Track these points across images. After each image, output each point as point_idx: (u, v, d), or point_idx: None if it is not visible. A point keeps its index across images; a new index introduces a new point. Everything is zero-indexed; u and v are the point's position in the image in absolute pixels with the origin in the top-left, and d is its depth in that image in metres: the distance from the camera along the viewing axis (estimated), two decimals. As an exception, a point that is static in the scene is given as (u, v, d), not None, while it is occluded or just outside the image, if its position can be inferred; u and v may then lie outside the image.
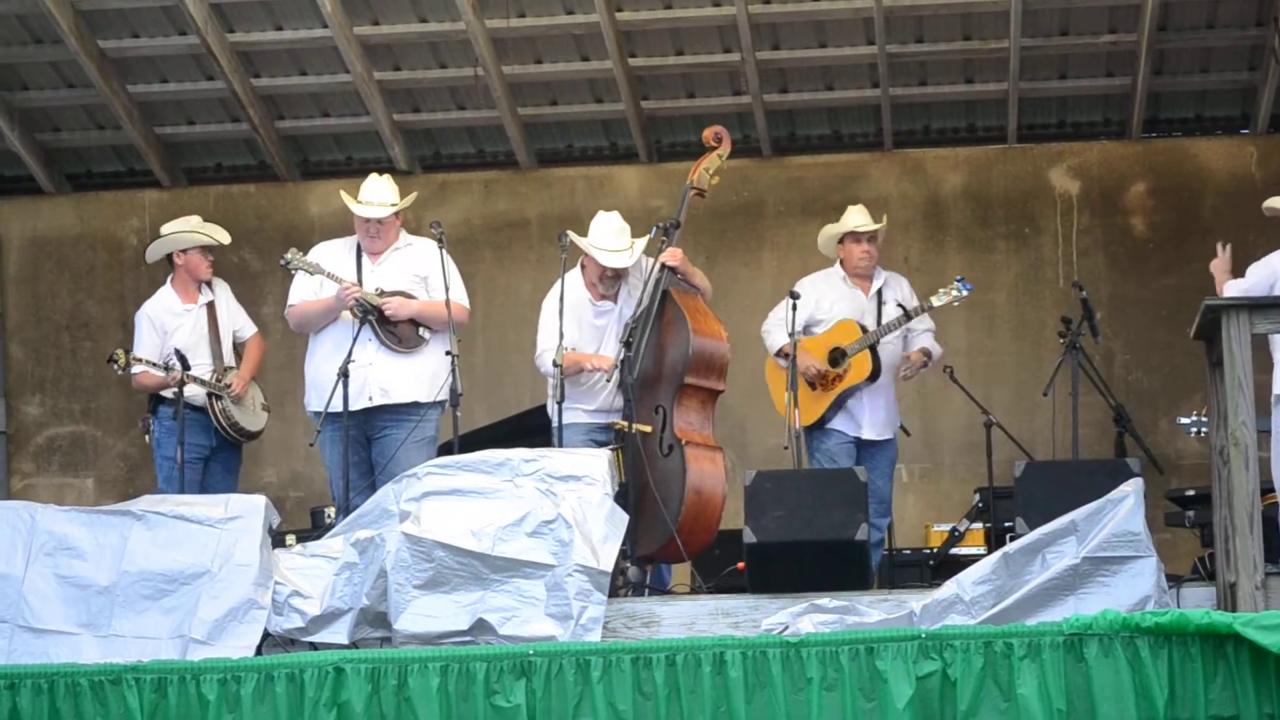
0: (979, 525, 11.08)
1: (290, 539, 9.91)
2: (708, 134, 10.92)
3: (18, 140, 13.89)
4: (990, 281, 13.70)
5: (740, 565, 9.90)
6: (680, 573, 10.82)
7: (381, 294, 10.60)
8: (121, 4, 12.98)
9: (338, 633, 9.33)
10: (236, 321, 11.47)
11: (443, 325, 10.54)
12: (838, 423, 10.90)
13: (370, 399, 10.54)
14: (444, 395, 10.48)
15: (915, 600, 9.08)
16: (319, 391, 10.65)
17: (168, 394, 11.08)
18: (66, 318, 14.26)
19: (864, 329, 10.87)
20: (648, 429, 10.25)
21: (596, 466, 9.57)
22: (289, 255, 10.72)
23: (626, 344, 10.35)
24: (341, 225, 11.27)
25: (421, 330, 10.65)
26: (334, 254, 10.85)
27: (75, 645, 9.24)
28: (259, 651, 9.23)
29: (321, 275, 10.66)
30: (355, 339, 10.50)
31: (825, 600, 9.13)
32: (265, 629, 9.33)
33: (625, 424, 10.19)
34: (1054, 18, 12.99)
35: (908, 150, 14.01)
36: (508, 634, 9.11)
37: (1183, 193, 13.63)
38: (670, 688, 8.45)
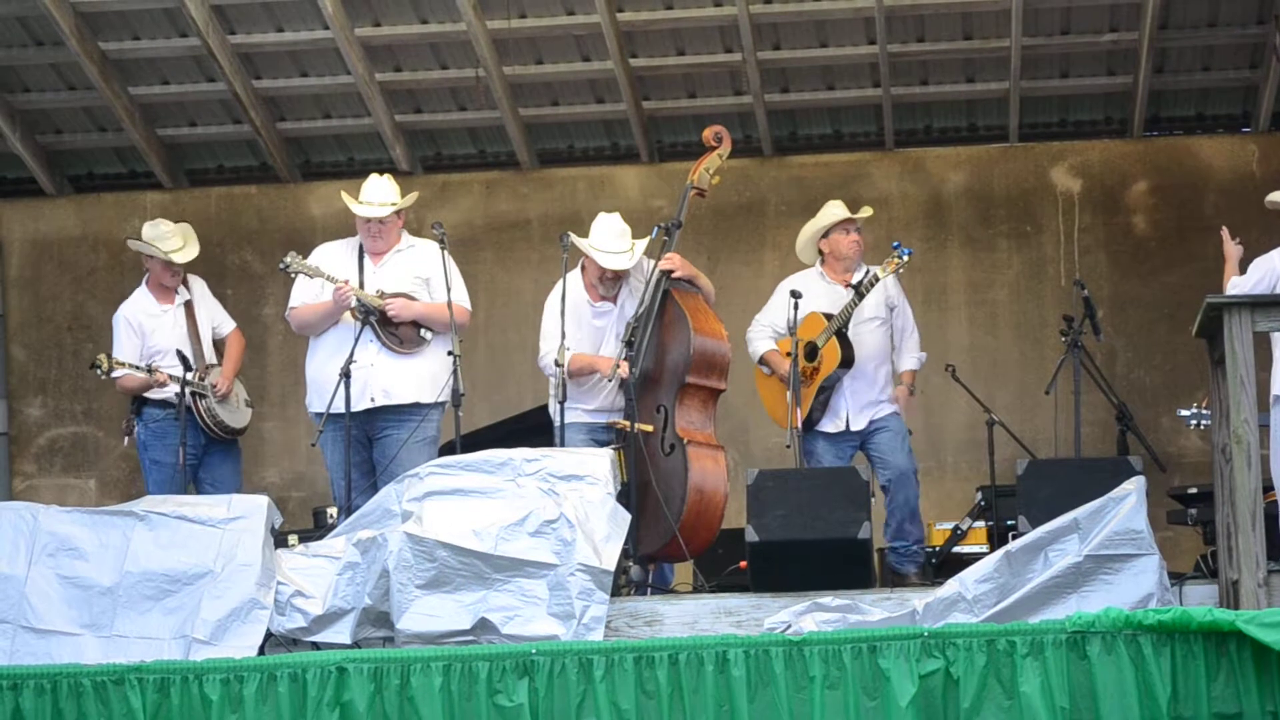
0: (981, 523, 11.07)
1: (292, 539, 9.90)
2: (708, 134, 10.91)
3: (19, 142, 13.90)
4: (992, 280, 13.71)
5: (743, 564, 9.91)
6: (683, 572, 10.82)
7: (383, 296, 10.60)
8: (123, 6, 12.99)
9: (340, 632, 9.33)
10: (215, 318, 11.46)
11: (445, 327, 10.54)
12: (823, 424, 10.85)
13: (372, 400, 10.54)
14: (445, 396, 10.48)
15: (918, 599, 9.08)
16: (320, 392, 10.65)
17: (154, 395, 11.11)
18: (68, 319, 14.27)
19: (827, 318, 10.79)
20: (649, 428, 10.25)
21: (599, 466, 9.57)
22: (288, 259, 10.71)
23: (628, 344, 10.35)
24: (343, 226, 11.27)
25: (423, 331, 10.65)
26: (335, 255, 10.85)
27: (78, 646, 9.24)
28: (262, 651, 9.23)
29: (322, 278, 10.66)
30: (357, 340, 10.50)
31: (828, 599, 9.13)
32: (268, 629, 9.33)
33: (627, 423, 10.19)
34: (1055, 16, 12.99)
35: (909, 149, 14.01)
36: (510, 633, 9.10)
37: (1184, 191, 13.63)
38: (673, 687, 8.45)
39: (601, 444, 10.29)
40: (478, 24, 12.90)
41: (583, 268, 10.77)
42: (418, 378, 10.59)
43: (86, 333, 14.19)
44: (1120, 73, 13.44)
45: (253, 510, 9.58)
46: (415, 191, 11.08)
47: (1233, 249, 10.08)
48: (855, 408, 10.81)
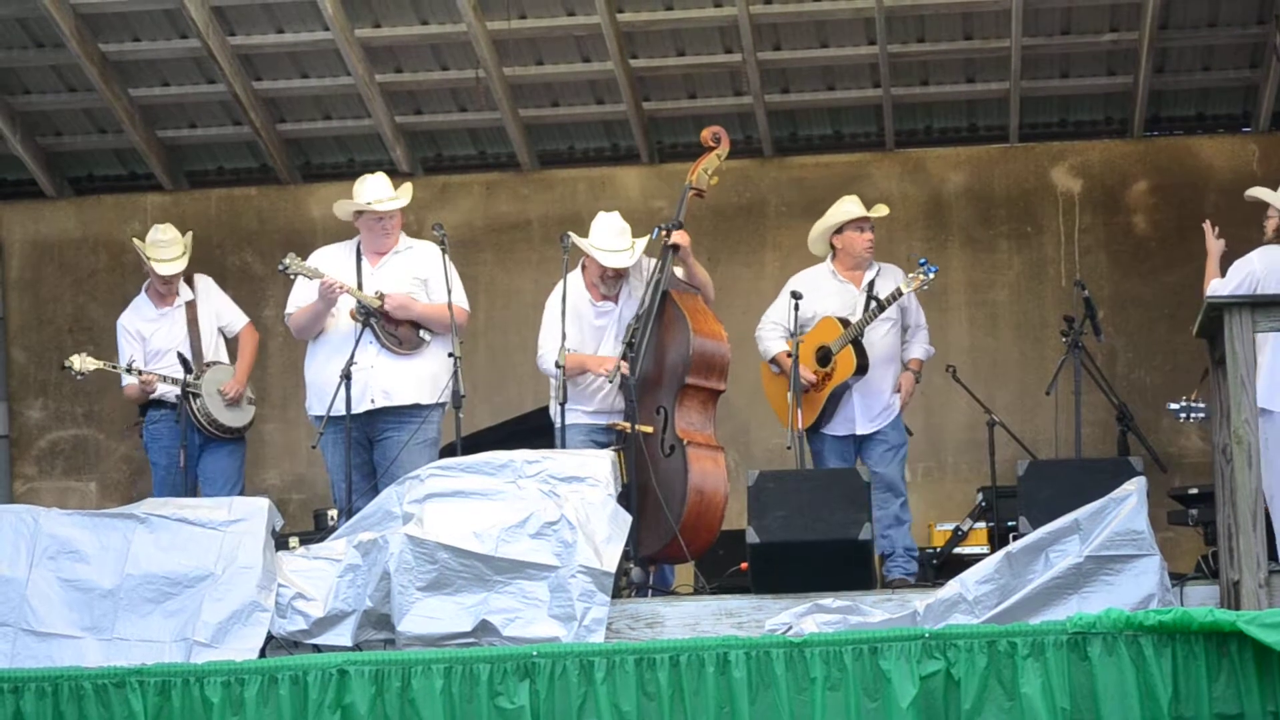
0: (982, 524, 11.08)
1: (293, 541, 9.90)
2: (706, 134, 10.91)
3: (19, 144, 13.89)
4: (992, 280, 13.71)
5: (743, 565, 9.91)
6: (683, 573, 10.82)
7: (380, 296, 10.59)
8: (123, 7, 12.99)
9: (341, 635, 9.34)
10: (223, 317, 11.44)
11: (444, 328, 10.54)
12: (832, 426, 10.85)
13: (372, 401, 10.54)
14: (445, 397, 10.48)
15: (919, 600, 9.09)
16: (319, 395, 10.65)
17: (154, 397, 11.12)
18: (69, 321, 14.26)
19: (845, 324, 10.78)
20: (649, 429, 10.25)
21: (599, 467, 9.57)
22: (287, 261, 10.70)
23: (629, 345, 10.35)
24: (344, 228, 11.26)
25: (422, 332, 10.65)
26: (334, 258, 10.85)
27: (79, 648, 9.24)
28: (263, 654, 9.23)
29: (320, 280, 10.65)
30: (357, 342, 10.50)
31: (829, 600, 9.14)
32: (269, 631, 9.33)
33: (627, 425, 10.19)
34: (1055, 16, 12.99)
35: (909, 150, 14.01)
36: (511, 635, 9.11)
37: (1184, 191, 13.63)
38: (674, 688, 8.45)
39: (602, 446, 10.29)
40: (478, 25, 12.89)
41: (583, 267, 10.77)
42: (418, 379, 10.60)
43: (87, 335, 14.17)
44: (1120, 73, 13.43)
45: (253, 513, 9.58)
46: (408, 185, 11.07)
47: (1214, 244, 10.09)
48: (863, 412, 10.80)
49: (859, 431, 10.80)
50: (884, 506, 10.67)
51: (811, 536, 9.53)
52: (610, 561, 9.29)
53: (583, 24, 13.03)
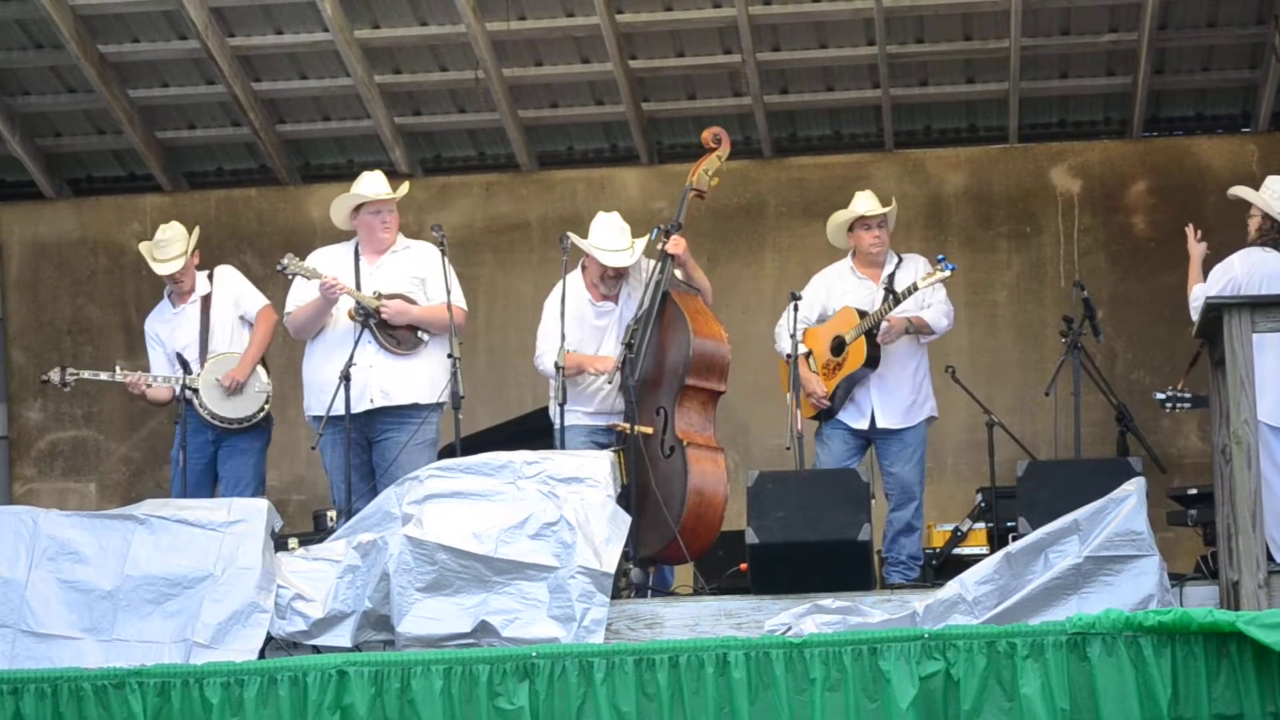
0: (981, 525, 11.06)
1: (293, 542, 9.89)
2: (707, 135, 10.91)
3: (18, 145, 13.89)
4: (992, 281, 13.70)
5: (743, 566, 9.91)
6: (683, 574, 10.81)
7: (379, 297, 10.59)
8: (122, 9, 12.99)
9: (341, 636, 9.33)
10: (241, 305, 11.17)
11: (442, 329, 10.54)
12: (843, 415, 10.86)
13: (371, 401, 10.54)
14: (444, 398, 10.48)
15: (918, 600, 9.09)
16: (317, 395, 10.65)
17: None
18: (68, 322, 14.26)
19: (861, 315, 10.78)
20: (649, 430, 10.25)
21: (599, 468, 9.58)
22: (285, 261, 10.69)
23: (628, 346, 10.35)
24: (343, 229, 11.26)
25: (420, 333, 10.65)
26: (332, 258, 10.84)
27: (78, 649, 9.24)
28: (262, 655, 9.23)
29: (319, 280, 10.65)
30: (356, 342, 10.50)
31: (828, 601, 9.13)
32: (268, 632, 9.33)
33: (626, 426, 10.19)
34: (1054, 17, 12.99)
35: (909, 150, 14.01)
36: (511, 636, 9.11)
37: (1184, 191, 13.62)
38: (673, 689, 8.46)
39: (601, 447, 10.29)
40: (477, 26, 12.89)
41: (583, 267, 10.77)
42: (416, 379, 10.59)
43: (86, 336, 14.18)
44: (1120, 73, 13.44)
45: (253, 514, 9.58)
46: (406, 183, 11.07)
47: (1196, 248, 10.10)
48: (884, 408, 10.78)
49: (879, 425, 10.77)
50: (897, 508, 10.67)
51: (811, 537, 9.53)
52: (609, 562, 9.29)
53: (582, 25, 13.04)
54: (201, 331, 11.12)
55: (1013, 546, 9.11)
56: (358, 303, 10.56)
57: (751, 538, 9.59)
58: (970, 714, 8.33)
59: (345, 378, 10.36)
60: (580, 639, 9.05)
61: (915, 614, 8.97)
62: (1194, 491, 10.68)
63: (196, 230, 11.29)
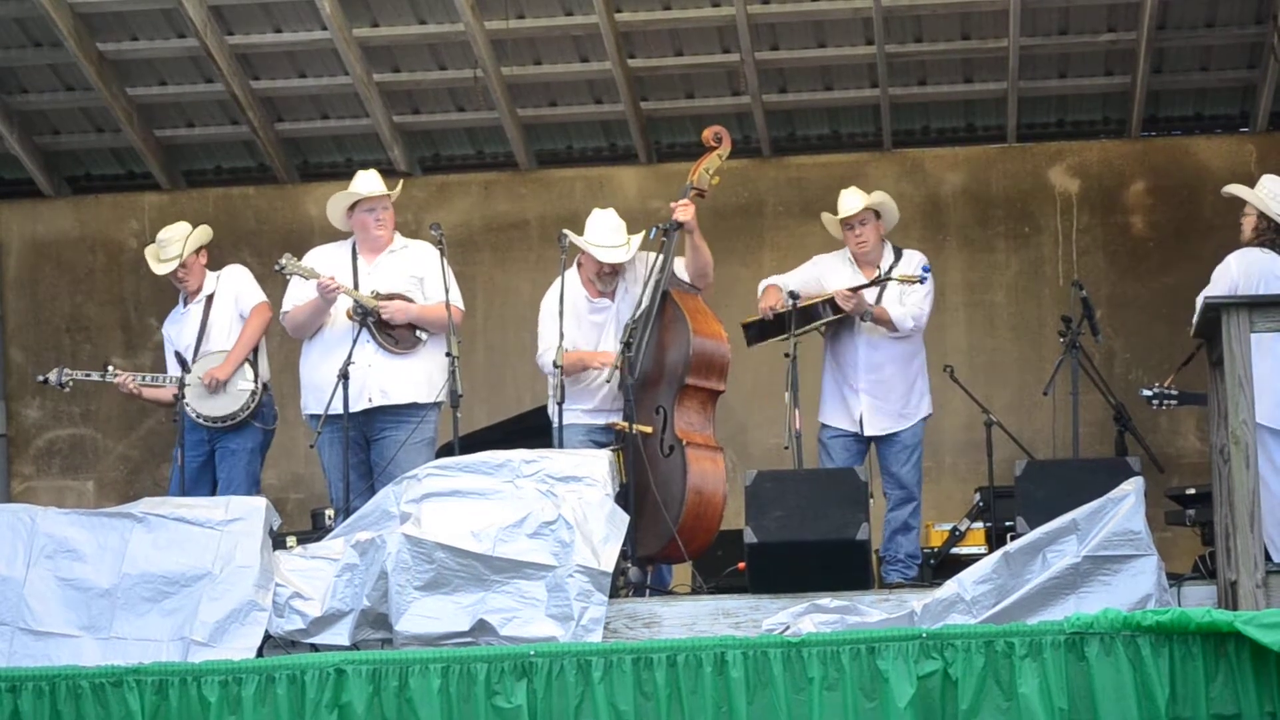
0: (980, 524, 11.07)
1: (291, 541, 9.90)
2: (707, 134, 10.91)
3: (17, 143, 13.89)
4: (990, 281, 13.71)
5: (741, 565, 9.91)
6: (681, 573, 10.82)
7: (377, 296, 10.59)
8: (120, 7, 12.99)
9: (339, 634, 9.33)
10: (240, 303, 11.11)
11: (440, 328, 10.54)
12: (838, 420, 10.85)
13: (370, 400, 10.54)
14: (443, 396, 10.49)
15: (916, 600, 9.09)
16: (314, 394, 10.65)
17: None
18: (66, 321, 14.26)
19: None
20: (648, 430, 10.25)
21: (597, 467, 9.58)
22: (283, 260, 10.69)
23: (627, 344, 10.35)
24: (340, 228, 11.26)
25: (418, 332, 10.65)
26: (330, 257, 10.84)
27: (76, 648, 9.24)
28: (260, 653, 9.23)
29: (316, 279, 10.64)
30: (355, 341, 10.50)
31: (826, 600, 9.13)
32: (266, 631, 9.33)
33: (625, 425, 10.19)
34: (1053, 16, 12.99)
35: (907, 150, 14.01)
36: (509, 635, 9.11)
37: (1182, 191, 13.63)
38: (671, 688, 8.45)
39: (600, 445, 10.29)
40: (476, 24, 12.89)
41: (579, 264, 10.77)
42: (415, 378, 10.59)
43: (85, 334, 14.18)
44: (1118, 73, 13.44)
45: (251, 512, 9.58)
46: (401, 181, 11.06)
47: None
48: (871, 412, 10.78)
49: (866, 431, 10.78)
50: (895, 508, 10.67)
51: (809, 536, 9.53)
52: (608, 561, 9.29)
53: (581, 24, 13.04)
54: (200, 330, 11.11)
55: (1011, 546, 9.11)
56: (356, 302, 10.56)
57: (750, 537, 9.59)
58: (968, 713, 8.33)
59: (344, 376, 10.36)
60: (578, 638, 9.05)
61: (913, 613, 8.97)
62: (1192, 491, 10.69)
63: (201, 229, 11.25)
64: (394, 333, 10.61)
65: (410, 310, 10.62)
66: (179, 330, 11.17)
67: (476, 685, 8.52)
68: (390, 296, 10.63)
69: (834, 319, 10.75)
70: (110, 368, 11.22)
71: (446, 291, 10.51)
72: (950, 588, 9.05)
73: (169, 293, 11.51)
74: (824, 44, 13.30)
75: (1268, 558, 8.84)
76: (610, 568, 9.29)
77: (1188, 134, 13.91)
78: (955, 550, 11.01)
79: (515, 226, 14.08)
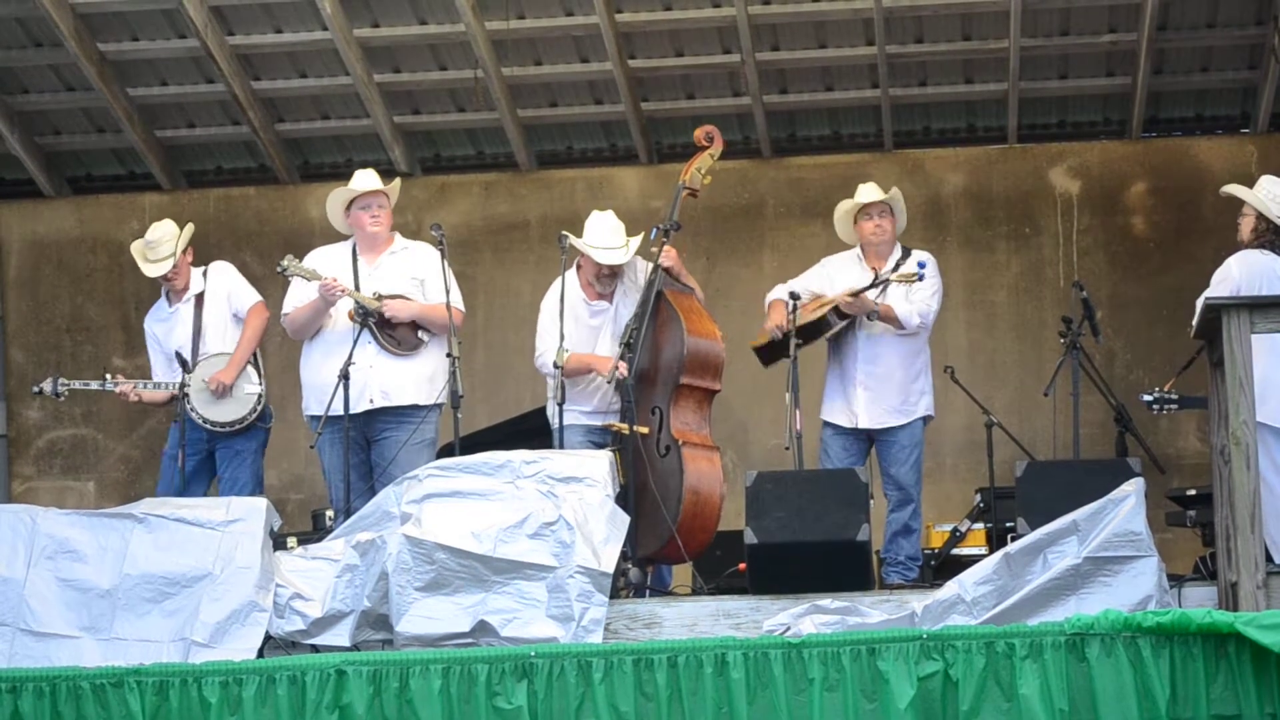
0: (980, 525, 11.07)
1: (291, 541, 9.90)
2: (699, 133, 10.94)
3: (18, 143, 13.89)
4: (991, 281, 13.70)
5: (741, 566, 9.91)
6: (681, 574, 10.82)
7: (379, 297, 10.60)
8: (121, 7, 12.99)
9: (339, 635, 9.33)
10: (234, 303, 11.09)
11: (442, 328, 10.54)
12: (836, 415, 10.84)
13: (371, 401, 10.54)
14: (444, 397, 10.49)
15: (917, 601, 9.08)
16: (315, 395, 10.65)
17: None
18: (67, 321, 14.26)
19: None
20: (645, 430, 10.25)
21: (597, 468, 9.58)
22: (285, 262, 10.70)
23: (627, 345, 10.35)
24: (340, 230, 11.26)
25: (420, 333, 10.65)
26: (330, 258, 10.85)
27: (77, 648, 9.24)
28: (260, 654, 9.23)
29: (318, 280, 10.64)
30: (356, 342, 10.50)
31: (827, 601, 9.13)
32: (267, 631, 9.33)
33: (623, 426, 10.19)
34: (1054, 17, 12.99)
35: (908, 151, 14.00)
36: (509, 636, 9.11)
37: (1183, 192, 13.63)
38: (672, 689, 8.46)
39: (599, 446, 10.29)
40: (476, 25, 12.89)
41: (578, 266, 10.78)
42: (416, 379, 10.60)
43: (85, 334, 14.18)
44: (1119, 74, 13.43)
45: (251, 513, 9.58)
46: (400, 180, 11.07)
47: None
48: (869, 407, 10.77)
49: (861, 425, 10.76)
50: (896, 509, 10.67)
51: (809, 537, 9.53)
52: (608, 562, 9.29)
53: (581, 24, 13.04)
54: (194, 330, 11.08)
55: (1011, 547, 9.11)
56: (357, 303, 10.56)
57: (750, 538, 9.59)
58: (969, 714, 8.33)
59: (344, 377, 10.36)
60: (579, 639, 9.06)
61: (914, 614, 8.97)
62: (1193, 492, 10.69)
63: (189, 227, 11.24)
64: (396, 334, 10.61)
65: (412, 308, 10.63)
66: (168, 330, 11.12)
67: (477, 686, 8.52)
68: (391, 298, 10.63)
69: (843, 325, 10.75)
70: (109, 376, 11.20)
71: (447, 293, 10.51)
72: (951, 589, 9.05)
73: (168, 293, 11.52)
74: (825, 45, 13.30)
75: (1268, 559, 8.84)
76: (611, 568, 9.30)
77: (1188, 135, 13.90)
78: (956, 551, 11.02)
79: (515, 227, 14.08)
